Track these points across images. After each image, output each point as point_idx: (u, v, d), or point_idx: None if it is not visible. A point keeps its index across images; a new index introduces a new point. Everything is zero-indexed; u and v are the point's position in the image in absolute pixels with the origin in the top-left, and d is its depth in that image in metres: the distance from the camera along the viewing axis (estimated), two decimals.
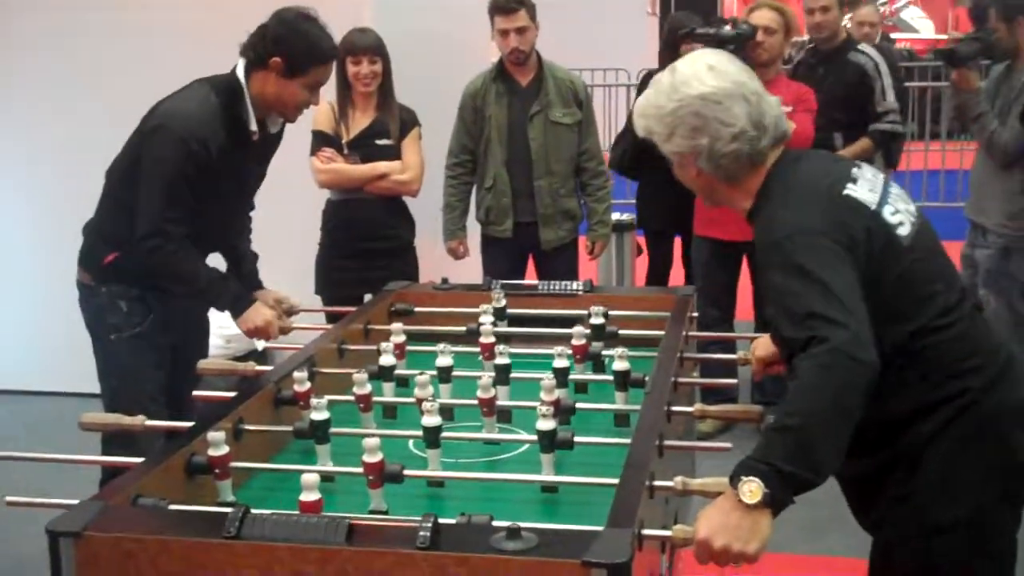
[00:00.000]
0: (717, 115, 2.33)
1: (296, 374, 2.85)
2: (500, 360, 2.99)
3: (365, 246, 4.86)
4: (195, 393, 3.15)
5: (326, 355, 3.22)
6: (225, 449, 2.40)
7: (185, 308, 3.64)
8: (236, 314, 3.57)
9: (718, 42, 4.93)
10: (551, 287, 3.86)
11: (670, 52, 5.71)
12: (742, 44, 5.01)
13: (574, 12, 11.79)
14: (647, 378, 2.88)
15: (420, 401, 2.64)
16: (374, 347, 3.24)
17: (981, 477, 2.33)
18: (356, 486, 2.39)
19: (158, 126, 3.41)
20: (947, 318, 2.33)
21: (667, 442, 2.54)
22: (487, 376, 2.80)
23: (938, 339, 2.32)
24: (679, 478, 2.27)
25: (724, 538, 2.04)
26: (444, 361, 3.02)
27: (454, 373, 3.03)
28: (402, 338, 3.28)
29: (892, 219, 2.35)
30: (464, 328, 3.47)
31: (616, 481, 2.23)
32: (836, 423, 2.07)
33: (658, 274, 6.06)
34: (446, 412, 2.75)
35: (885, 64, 5.82)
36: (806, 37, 6.53)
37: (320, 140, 4.84)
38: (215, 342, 4.91)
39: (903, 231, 2.34)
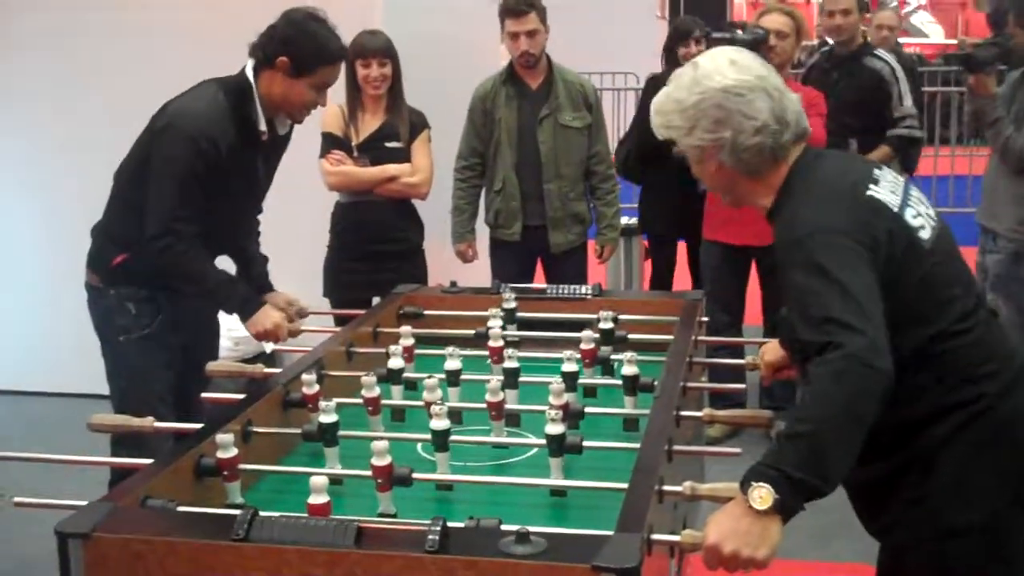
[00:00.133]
0: (740, 108, 2.31)
1: (305, 376, 2.85)
2: (509, 364, 2.99)
3: (374, 249, 4.86)
4: (204, 395, 3.16)
5: (335, 358, 3.22)
6: (234, 451, 2.40)
7: (195, 309, 3.64)
8: (245, 317, 3.57)
9: (733, 46, 4.92)
10: (560, 291, 3.85)
11: (670, 56, 5.74)
12: (756, 48, 5.00)
13: (583, 15, 11.79)
14: (656, 382, 2.87)
15: (429, 404, 2.64)
16: (383, 350, 3.24)
17: (996, 482, 2.32)
18: (364, 489, 2.39)
19: (168, 125, 3.42)
20: (965, 323, 2.32)
21: (676, 447, 2.54)
22: (496, 380, 2.80)
23: (956, 344, 2.30)
24: (688, 483, 2.27)
25: (734, 544, 2.03)
26: (453, 364, 3.02)
27: (463, 376, 3.02)
28: (411, 341, 3.28)
29: (914, 222, 2.33)
30: (473, 331, 3.47)
31: (625, 486, 2.23)
32: (849, 431, 2.06)
33: (661, 278, 6.06)
34: (455, 415, 2.75)
35: (902, 69, 5.80)
36: (815, 41, 6.53)
37: (330, 142, 4.84)
38: (224, 344, 4.91)
39: (924, 234, 2.33)
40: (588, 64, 9.40)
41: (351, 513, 2.22)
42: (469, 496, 2.49)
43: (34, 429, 5.59)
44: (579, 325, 3.40)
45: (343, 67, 4.71)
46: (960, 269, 2.43)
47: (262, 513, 2.01)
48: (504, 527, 2.02)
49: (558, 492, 2.48)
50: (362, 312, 3.79)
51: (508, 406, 2.80)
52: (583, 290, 3.84)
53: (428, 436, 2.55)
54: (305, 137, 4.85)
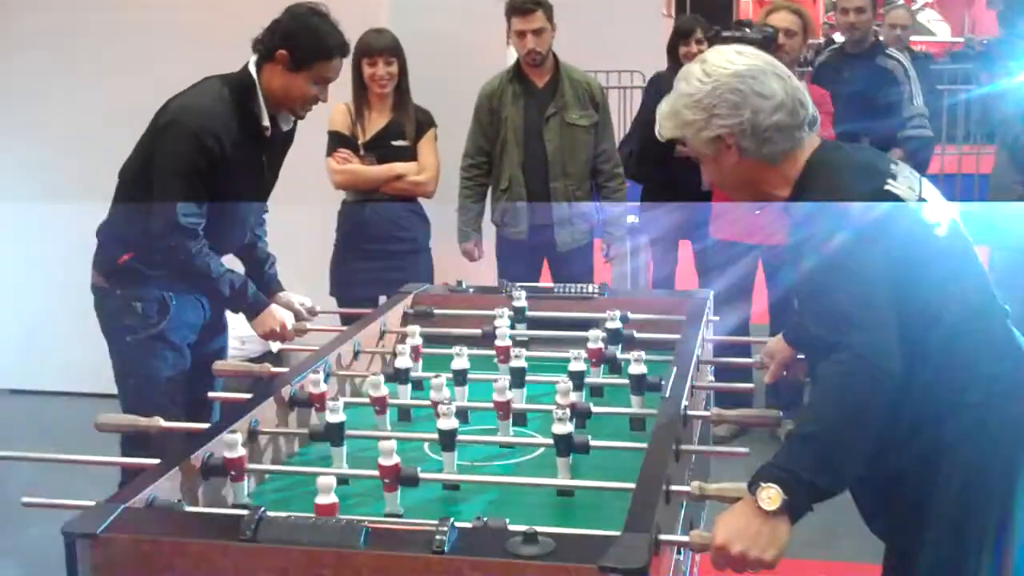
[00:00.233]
0: (755, 88, 2.30)
1: (311, 376, 2.84)
2: (516, 363, 2.98)
3: (380, 247, 4.86)
4: (211, 395, 3.16)
5: (341, 357, 3.21)
6: (241, 451, 2.40)
7: (201, 308, 3.64)
8: (251, 316, 3.57)
9: (744, 44, 4.91)
10: (567, 290, 3.85)
11: (673, 54, 5.74)
12: (767, 47, 4.99)
13: (589, 14, 11.77)
14: (663, 382, 2.87)
15: (436, 404, 2.64)
16: (390, 349, 3.24)
17: (1006, 484, 2.31)
18: (371, 489, 2.39)
19: (171, 122, 3.42)
20: (977, 321, 2.31)
21: (683, 447, 2.53)
22: (503, 379, 2.79)
23: (967, 342, 2.29)
24: (696, 483, 2.26)
25: (742, 544, 2.02)
26: (460, 364, 3.01)
27: (470, 376, 3.02)
28: (418, 340, 3.28)
29: (929, 218, 2.33)
30: (480, 331, 3.47)
31: (632, 485, 2.22)
32: (858, 432, 2.06)
33: (664, 278, 6.05)
34: (462, 415, 2.75)
35: (913, 68, 5.79)
36: (822, 39, 6.51)
37: (336, 141, 4.85)
38: (230, 343, 4.91)
39: (939, 231, 2.33)
40: (593, 62, 9.38)
41: (358, 513, 2.22)
42: (476, 496, 2.48)
43: (43, 429, 5.59)
44: (586, 324, 3.39)
45: (346, 64, 4.78)
46: (974, 266, 2.42)
47: (270, 513, 2.01)
48: (511, 527, 2.01)
49: (565, 492, 2.47)
50: (369, 311, 3.78)
51: (515, 405, 2.79)
52: (590, 289, 3.83)
53: (435, 436, 2.54)
54: (312, 136, 4.87)
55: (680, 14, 14.01)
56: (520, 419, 2.85)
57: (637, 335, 3.42)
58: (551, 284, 4.08)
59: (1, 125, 6.16)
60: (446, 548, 1.90)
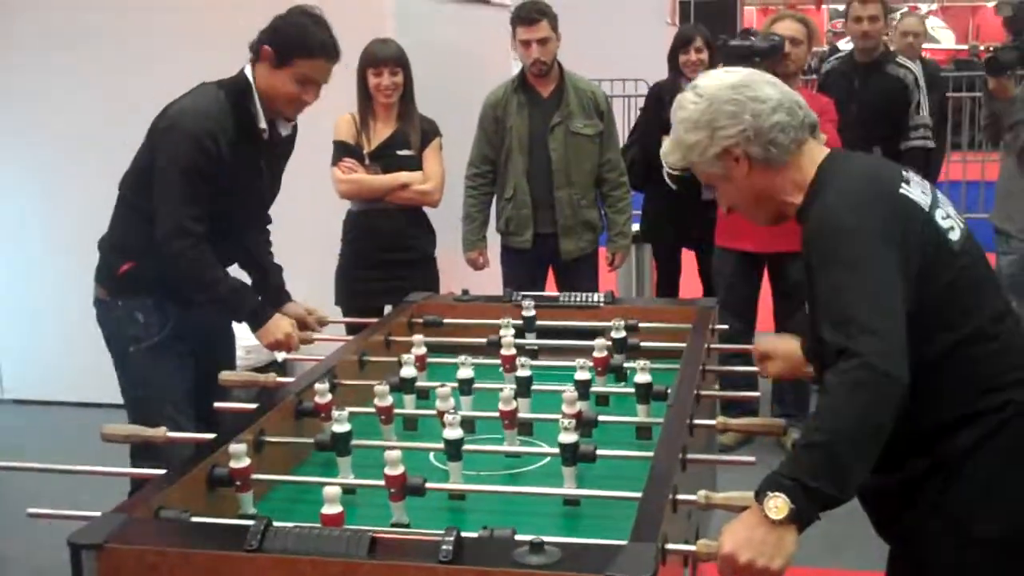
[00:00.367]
0: (749, 95, 2.32)
1: (317, 386, 2.84)
2: (521, 372, 2.98)
3: (386, 257, 4.86)
4: (216, 404, 3.15)
5: (347, 367, 3.22)
6: (247, 461, 2.40)
7: (206, 315, 3.61)
8: (256, 326, 3.56)
9: (752, 53, 4.91)
10: (572, 299, 3.85)
11: (673, 63, 5.74)
12: (774, 55, 4.99)
13: (593, 22, 11.80)
14: (669, 391, 2.87)
15: (441, 413, 2.64)
16: (395, 359, 3.24)
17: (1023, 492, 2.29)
18: (377, 499, 2.38)
19: (169, 126, 3.41)
20: (992, 328, 2.30)
21: (690, 455, 2.53)
22: (508, 388, 2.79)
23: (982, 349, 2.28)
24: (702, 492, 2.26)
25: (749, 553, 2.02)
26: (465, 373, 3.01)
27: (475, 385, 3.02)
28: (423, 350, 3.28)
29: (943, 223, 2.32)
30: (485, 340, 3.47)
31: (639, 495, 2.22)
32: (865, 440, 2.05)
33: (667, 286, 6.05)
34: (467, 424, 2.75)
35: (926, 76, 5.77)
36: (826, 47, 6.50)
37: (341, 150, 4.85)
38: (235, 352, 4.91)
39: (953, 236, 2.32)
40: (597, 71, 9.40)
41: (364, 523, 2.22)
42: (482, 505, 2.48)
43: (51, 439, 5.60)
44: (591, 333, 3.39)
45: (351, 74, 4.79)
46: (987, 273, 2.41)
47: (276, 523, 2.00)
48: (518, 537, 2.01)
49: (571, 501, 2.47)
50: (374, 321, 3.78)
51: (521, 415, 2.79)
52: (595, 298, 3.83)
53: (441, 445, 2.54)
54: (317, 145, 4.87)
55: (684, 23, 14.05)
56: (526, 428, 2.85)
57: (643, 344, 3.42)
58: (556, 293, 4.07)
59: (1, 125, 6.16)
60: (452, 558, 1.90)
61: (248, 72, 3.48)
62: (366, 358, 3.33)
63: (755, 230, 4.87)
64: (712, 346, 3.46)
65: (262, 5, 3.59)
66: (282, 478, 2.60)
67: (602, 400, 3.07)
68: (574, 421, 2.52)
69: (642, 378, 2.89)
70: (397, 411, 2.88)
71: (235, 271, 3.69)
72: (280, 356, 3.71)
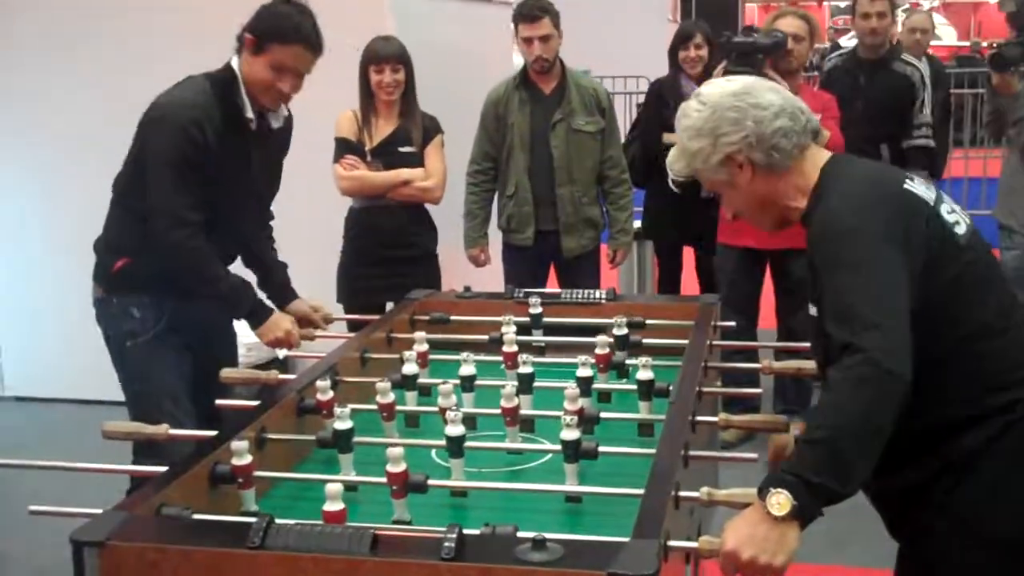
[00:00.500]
0: (751, 102, 2.34)
1: (319, 383, 2.84)
2: (523, 369, 2.98)
3: (387, 254, 4.86)
4: (218, 402, 3.15)
5: (349, 364, 3.21)
6: (248, 458, 2.40)
7: (205, 315, 3.59)
8: (255, 324, 3.56)
9: (755, 50, 4.90)
10: (574, 295, 3.84)
11: (673, 59, 5.74)
12: (776, 52, 4.98)
13: (594, 20, 11.79)
14: (671, 387, 2.86)
15: (443, 410, 2.64)
16: (397, 356, 3.23)
17: None
18: (379, 496, 2.38)
19: (155, 118, 3.40)
20: (999, 323, 2.29)
21: (692, 452, 2.53)
22: (510, 385, 2.79)
23: (989, 345, 2.28)
24: (705, 488, 2.25)
25: (751, 550, 2.02)
26: (467, 370, 3.01)
27: (477, 382, 3.02)
28: (425, 347, 3.28)
29: (949, 217, 2.33)
30: (487, 337, 3.47)
31: (641, 492, 2.22)
32: (867, 435, 2.05)
33: (668, 283, 6.04)
34: (469, 421, 2.74)
35: (933, 73, 5.75)
36: (827, 44, 6.48)
37: (343, 147, 4.85)
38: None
39: (959, 230, 2.32)
40: (599, 68, 9.40)
41: (366, 520, 2.21)
42: (484, 502, 2.48)
43: (52, 436, 5.61)
44: (593, 330, 3.39)
45: (353, 71, 4.79)
46: (994, 269, 2.41)
47: (277, 521, 2.00)
48: (520, 534, 2.01)
49: (573, 498, 2.47)
50: (376, 317, 3.78)
51: (523, 412, 2.79)
52: (597, 295, 3.83)
53: (443, 442, 2.54)
54: (319, 142, 4.87)
55: (685, 19, 14.05)
56: (528, 425, 2.85)
57: (644, 341, 3.42)
58: (558, 290, 4.07)
59: (1, 125, 6.16)
60: (454, 555, 1.89)
61: (234, 63, 3.46)
62: (368, 355, 3.33)
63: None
64: (714, 343, 3.46)
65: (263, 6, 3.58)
66: (284, 475, 2.60)
67: (604, 397, 3.06)
68: (576, 418, 2.52)
69: (644, 375, 2.89)
70: (399, 408, 2.88)
71: (238, 269, 3.68)
72: (282, 353, 3.71)
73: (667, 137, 5.59)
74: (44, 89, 6.00)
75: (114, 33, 5.84)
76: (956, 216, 2.34)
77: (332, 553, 1.93)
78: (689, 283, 6.13)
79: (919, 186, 2.34)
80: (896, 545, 2.53)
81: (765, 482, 2.05)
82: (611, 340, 3.25)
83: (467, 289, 3.98)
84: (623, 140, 5.79)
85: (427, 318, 3.75)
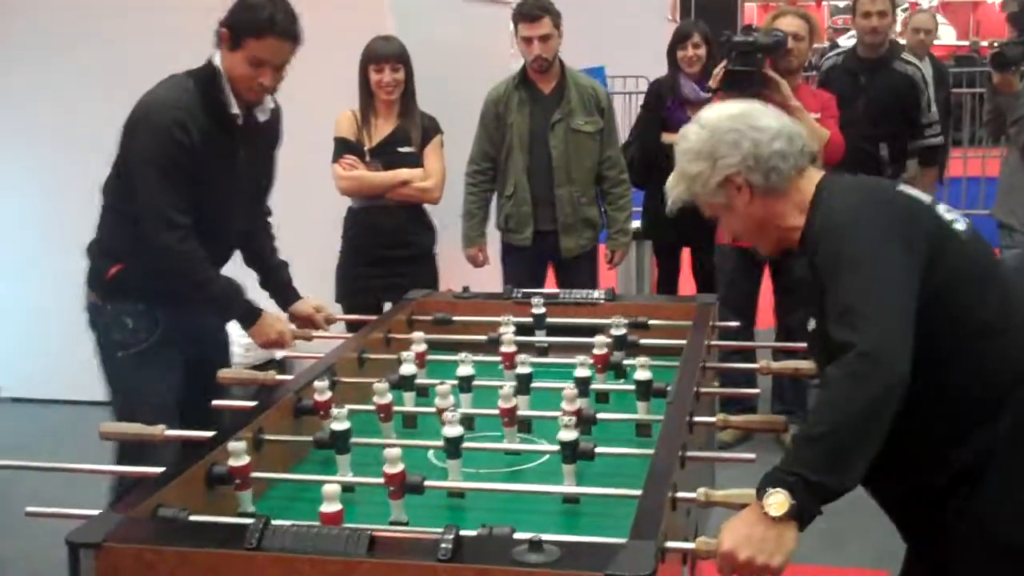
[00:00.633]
0: (750, 124, 2.37)
1: (316, 383, 2.84)
2: (521, 369, 2.98)
3: (386, 253, 4.86)
4: (215, 403, 3.14)
5: (346, 364, 3.21)
6: (246, 459, 2.39)
7: (198, 320, 3.56)
8: (247, 326, 3.53)
9: (755, 49, 4.89)
10: (572, 296, 3.84)
11: (672, 57, 5.73)
12: (776, 51, 4.97)
13: (594, 19, 11.78)
14: (669, 388, 2.86)
15: (441, 411, 2.63)
16: (395, 356, 3.23)
17: None
18: (376, 497, 2.38)
19: (138, 119, 3.36)
20: (1000, 323, 2.30)
21: (689, 453, 2.52)
22: (508, 386, 2.79)
23: (991, 345, 2.28)
24: (702, 489, 2.25)
25: (749, 550, 2.02)
26: (465, 370, 3.01)
27: (475, 383, 3.01)
28: (423, 347, 3.27)
29: (947, 215, 2.36)
30: (485, 337, 3.46)
31: (638, 492, 2.21)
32: (865, 431, 2.05)
33: (667, 283, 6.04)
34: (467, 422, 2.74)
35: (936, 73, 5.75)
36: (826, 44, 6.47)
37: (342, 147, 4.85)
38: (233, 350, 4.89)
39: (959, 227, 2.35)
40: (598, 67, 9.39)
41: (363, 521, 2.21)
42: (481, 504, 2.47)
43: (49, 438, 5.60)
44: (591, 330, 3.38)
45: (353, 70, 4.78)
46: (995, 267, 2.42)
47: (274, 522, 2.00)
48: (517, 535, 2.01)
49: (571, 499, 2.46)
50: (374, 317, 3.78)
51: (520, 412, 2.79)
52: (595, 295, 3.83)
53: (440, 443, 2.54)
54: (318, 142, 4.87)
55: (685, 19, 14.04)
56: (525, 426, 2.84)
57: (642, 341, 3.41)
58: (557, 290, 4.07)
59: (1, 125, 6.15)
60: (451, 556, 1.89)
61: (216, 59, 3.41)
62: (365, 355, 3.33)
63: None
64: (712, 343, 3.45)
65: None
66: (281, 476, 2.60)
67: (602, 397, 3.06)
68: (574, 418, 2.51)
69: (642, 375, 2.89)
70: (396, 409, 2.88)
71: (239, 268, 3.67)
72: (279, 354, 3.70)
73: (666, 137, 5.60)
74: (44, 89, 5.99)
75: (114, 33, 5.84)
76: (954, 215, 2.37)
77: (329, 554, 1.93)
78: (686, 283, 6.12)
79: (914, 190, 2.37)
80: (895, 545, 2.53)
81: (763, 482, 2.05)
82: (609, 340, 3.25)
83: (465, 289, 3.97)
84: (623, 140, 5.79)
85: (430, 318, 3.75)
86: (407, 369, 3.06)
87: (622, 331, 3.39)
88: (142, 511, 2.15)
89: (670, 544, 2.04)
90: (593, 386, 3.00)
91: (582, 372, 2.94)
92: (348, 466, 2.58)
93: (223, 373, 3.26)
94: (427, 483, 2.35)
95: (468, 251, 5.37)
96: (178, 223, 3.33)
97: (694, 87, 5.63)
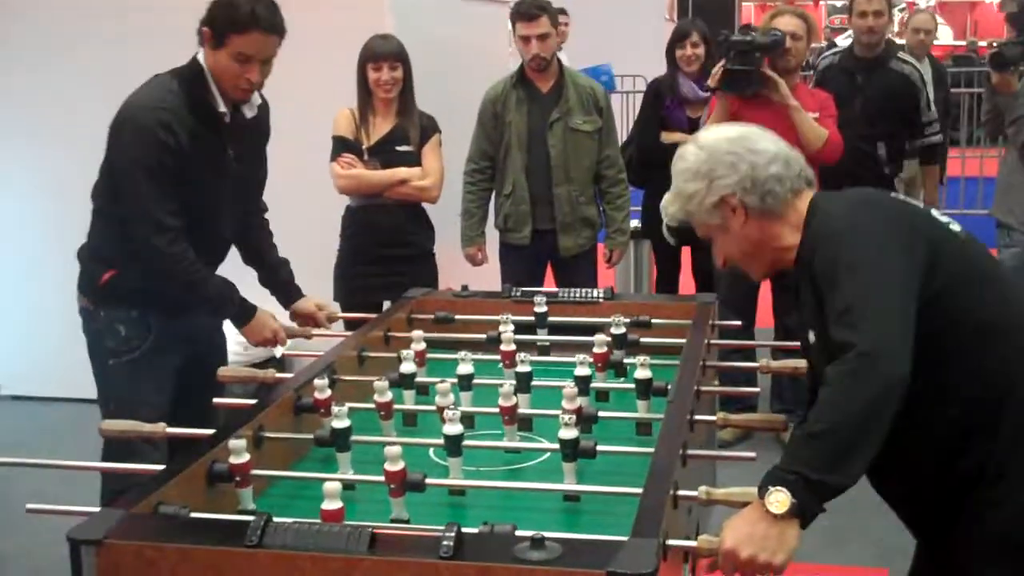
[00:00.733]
0: (747, 147, 2.39)
1: (316, 381, 2.83)
2: (521, 368, 2.98)
3: (384, 252, 4.86)
4: (215, 400, 3.14)
5: (346, 362, 3.21)
6: (246, 457, 2.39)
7: (193, 322, 3.53)
8: (240, 324, 3.52)
9: (753, 48, 4.89)
10: (572, 295, 3.84)
11: (671, 56, 5.73)
12: (774, 51, 4.97)
13: (592, 18, 11.79)
14: (669, 386, 2.86)
15: (441, 409, 2.63)
16: (395, 355, 3.23)
17: None
18: (377, 494, 2.38)
19: (123, 121, 3.32)
20: (1001, 323, 2.30)
21: (690, 451, 2.52)
22: (508, 384, 2.79)
23: (997, 344, 2.27)
24: (703, 487, 2.25)
25: (750, 549, 2.02)
26: (465, 369, 3.01)
27: (475, 381, 3.01)
28: (423, 346, 3.27)
29: (941, 218, 2.38)
30: (485, 335, 3.46)
31: (639, 490, 2.21)
32: (864, 431, 2.05)
33: (667, 283, 6.04)
34: (467, 420, 2.74)
35: (935, 73, 5.75)
36: (824, 43, 6.47)
37: (340, 146, 4.84)
38: (233, 348, 4.89)
39: (954, 228, 2.36)
40: (583, 67, 9.37)
41: (363, 519, 2.21)
42: (482, 501, 2.48)
43: (49, 435, 5.60)
44: (591, 329, 3.38)
45: (351, 69, 4.78)
46: (993, 268, 2.42)
47: (275, 519, 2.00)
48: (518, 533, 2.01)
49: (571, 497, 2.46)
50: (373, 316, 3.78)
51: (521, 411, 2.78)
52: (595, 294, 3.83)
53: (440, 441, 2.53)
54: (316, 141, 4.87)
55: (682, 18, 14.04)
56: (526, 424, 2.84)
57: (642, 340, 3.41)
58: (556, 289, 4.06)
59: (7, 129, 6.15)
60: (453, 554, 1.89)
61: (201, 57, 3.38)
62: (365, 354, 3.33)
63: None
64: (712, 341, 3.45)
65: None
66: (282, 474, 2.60)
67: (602, 396, 3.06)
68: (574, 417, 2.52)
69: (642, 374, 2.89)
70: (397, 407, 2.88)
71: (240, 267, 3.66)
72: (279, 352, 3.69)
73: (665, 136, 5.60)
74: (44, 89, 5.98)
75: (114, 33, 5.83)
76: (947, 218, 2.39)
77: (330, 552, 1.93)
78: (686, 283, 6.12)
79: (908, 198, 2.40)
80: (896, 543, 2.53)
81: (764, 480, 2.05)
82: (609, 339, 3.25)
83: (465, 288, 3.97)
84: (621, 140, 5.79)
85: (431, 317, 3.75)
86: (407, 367, 3.06)
87: (622, 330, 3.39)
88: (143, 508, 2.15)
89: (672, 542, 2.05)
90: (593, 384, 3.01)
91: (582, 371, 2.94)
92: (349, 464, 2.58)
93: (223, 371, 3.26)
94: (428, 481, 2.34)
95: (467, 250, 5.36)
96: (167, 225, 3.29)
97: (693, 86, 5.64)
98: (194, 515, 2.19)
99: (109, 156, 3.40)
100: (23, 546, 4.30)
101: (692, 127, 5.52)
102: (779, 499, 2.01)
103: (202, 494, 2.35)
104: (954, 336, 2.25)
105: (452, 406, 2.63)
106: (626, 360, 3.20)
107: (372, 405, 2.83)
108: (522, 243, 5.27)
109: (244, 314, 3.52)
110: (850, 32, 6.23)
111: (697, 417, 2.73)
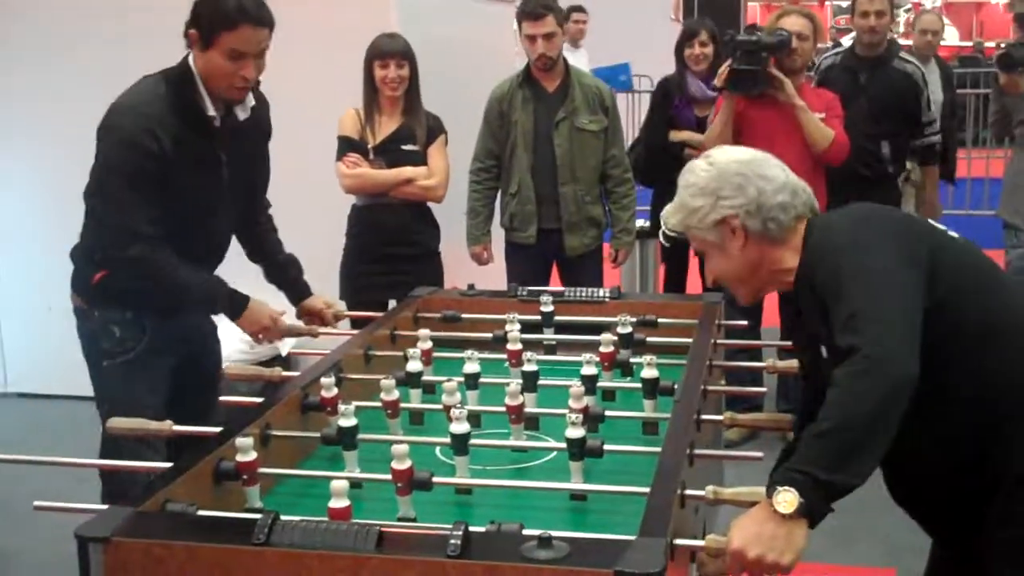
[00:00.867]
0: (757, 172, 2.39)
1: (323, 380, 2.83)
2: (528, 367, 2.97)
3: (390, 251, 4.86)
4: (222, 399, 3.14)
5: (353, 361, 3.21)
6: (253, 455, 2.39)
7: (186, 325, 3.49)
8: (234, 316, 3.46)
9: (759, 48, 4.88)
10: (578, 294, 3.84)
11: (679, 55, 5.73)
12: (781, 51, 4.96)
13: (597, 18, 11.79)
14: (676, 386, 2.86)
15: (448, 408, 2.63)
16: (401, 353, 3.23)
17: None
18: (384, 493, 2.38)
19: (106, 127, 3.28)
20: (1001, 326, 2.30)
21: (697, 451, 2.52)
22: (515, 383, 2.78)
23: (998, 346, 2.28)
24: (710, 487, 2.25)
25: (758, 548, 2.02)
26: (471, 367, 3.00)
27: (481, 380, 3.01)
28: (429, 344, 3.27)
29: (939, 227, 2.40)
30: (491, 334, 3.46)
31: (646, 490, 2.21)
32: (872, 431, 2.05)
33: (675, 282, 6.03)
34: (473, 419, 2.74)
35: (942, 73, 5.75)
36: (829, 43, 6.47)
37: (346, 145, 4.84)
38: (238, 347, 4.90)
39: (953, 235, 2.38)
40: (603, 66, 9.38)
41: (370, 517, 2.20)
42: (489, 500, 2.48)
43: (55, 433, 5.59)
44: (597, 328, 3.38)
45: (358, 68, 4.78)
46: (994, 272, 2.43)
47: (282, 517, 2.00)
48: (526, 531, 2.00)
49: (578, 496, 2.46)
50: (380, 315, 3.78)
51: (527, 409, 2.78)
52: (601, 293, 3.83)
53: (447, 440, 2.53)
54: (322, 140, 4.87)
55: (688, 18, 14.04)
56: (532, 423, 2.84)
57: (649, 339, 3.41)
58: (562, 288, 4.06)
59: (2, 124, 6.15)
60: (460, 552, 1.89)
61: (190, 60, 3.32)
62: (372, 352, 3.32)
63: None
64: (718, 341, 3.45)
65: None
66: (288, 472, 2.59)
67: (608, 395, 3.06)
68: (581, 416, 2.52)
69: (649, 373, 2.89)
70: (403, 405, 2.88)
71: (240, 267, 3.66)
72: (285, 349, 3.68)
73: (674, 135, 5.61)
74: (44, 89, 5.99)
75: (114, 33, 5.82)
76: (944, 227, 2.42)
77: (337, 550, 1.93)
78: (693, 282, 6.12)
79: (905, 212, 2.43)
80: (903, 542, 2.53)
81: (772, 480, 2.05)
82: (615, 338, 3.25)
83: (471, 287, 3.97)
84: (628, 140, 5.79)
85: (437, 316, 3.75)
86: (413, 366, 3.06)
87: (628, 329, 3.39)
88: (150, 506, 2.15)
89: (679, 541, 2.04)
90: (600, 384, 3.00)
91: (589, 370, 2.94)
92: (355, 462, 2.58)
93: (230, 368, 3.25)
94: (435, 479, 2.35)
95: (473, 249, 5.36)
96: (145, 234, 3.23)
97: (701, 85, 5.64)
98: (201, 513, 2.18)
99: (95, 158, 3.36)
100: (29, 543, 4.30)
101: (700, 126, 5.53)
102: (787, 499, 2.01)
103: (209, 492, 2.35)
104: (956, 339, 2.25)
105: (459, 405, 2.63)
106: (633, 359, 3.19)
107: (379, 404, 2.83)
108: (528, 242, 5.27)
109: (236, 307, 3.46)
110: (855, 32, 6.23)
111: (704, 417, 2.73)
